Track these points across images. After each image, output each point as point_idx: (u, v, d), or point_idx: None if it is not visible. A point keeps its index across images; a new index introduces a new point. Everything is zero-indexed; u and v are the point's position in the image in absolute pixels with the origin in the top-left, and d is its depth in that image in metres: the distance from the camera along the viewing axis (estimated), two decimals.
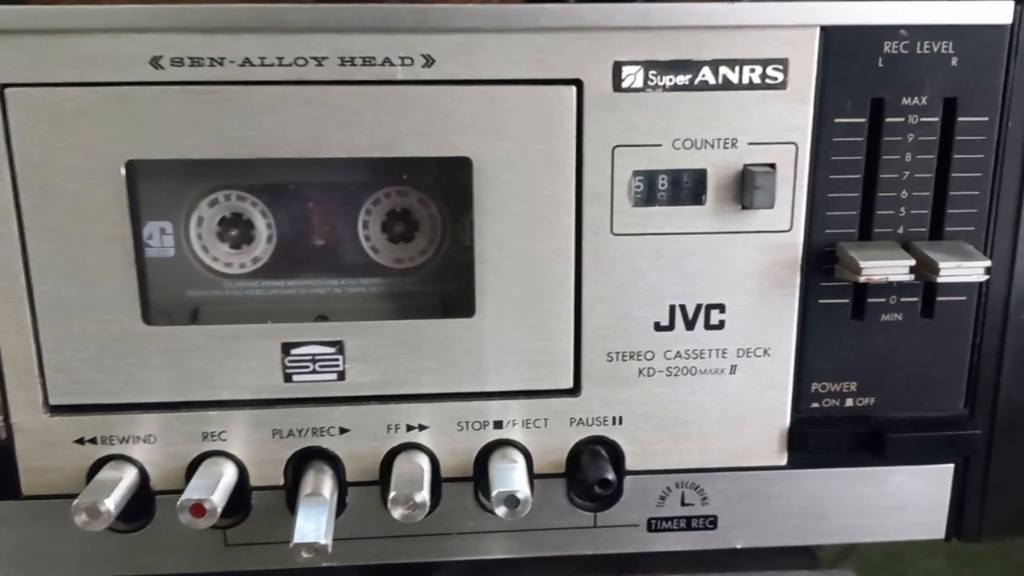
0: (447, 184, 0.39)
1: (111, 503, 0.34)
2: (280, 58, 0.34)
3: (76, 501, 0.34)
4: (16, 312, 0.35)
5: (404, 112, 0.35)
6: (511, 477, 0.36)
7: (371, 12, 0.33)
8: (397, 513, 0.35)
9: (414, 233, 0.39)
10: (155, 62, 0.33)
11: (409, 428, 0.38)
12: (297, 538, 0.35)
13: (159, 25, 0.33)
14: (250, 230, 0.39)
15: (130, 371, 0.36)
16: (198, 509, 0.35)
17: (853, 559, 0.59)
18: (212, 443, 0.37)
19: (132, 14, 0.33)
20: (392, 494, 0.35)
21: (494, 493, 0.35)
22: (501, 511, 0.35)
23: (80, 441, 0.37)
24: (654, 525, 0.40)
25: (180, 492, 0.37)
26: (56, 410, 0.37)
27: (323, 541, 0.35)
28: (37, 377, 0.36)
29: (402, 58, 0.34)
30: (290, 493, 0.38)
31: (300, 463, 0.38)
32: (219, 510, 0.35)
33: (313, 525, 0.35)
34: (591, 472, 0.37)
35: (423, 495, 0.35)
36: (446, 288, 0.40)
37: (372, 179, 0.39)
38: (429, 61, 0.34)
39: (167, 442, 0.37)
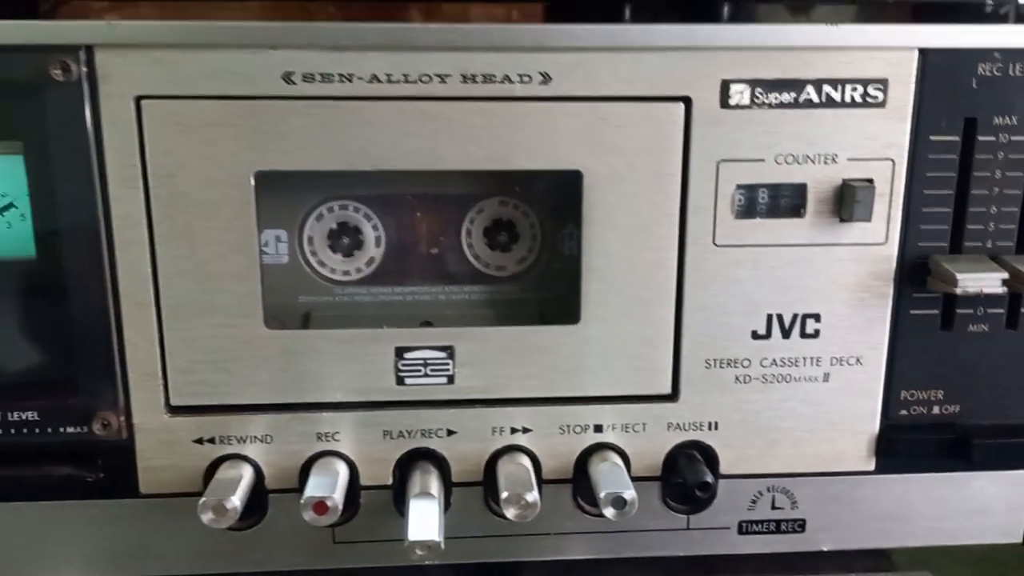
0: (548, 195, 0.40)
1: (237, 500, 0.36)
2: (405, 75, 0.35)
3: (203, 499, 0.36)
4: (143, 316, 0.37)
5: (519, 127, 0.36)
6: (618, 479, 0.37)
7: (494, 32, 0.35)
8: (511, 513, 0.36)
9: (514, 242, 0.41)
10: (287, 77, 0.35)
11: (513, 431, 0.39)
12: (412, 536, 0.36)
13: (293, 42, 0.34)
14: (359, 238, 0.40)
15: (250, 373, 0.38)
16: (321, 507, 0.36)
17: None
18: (325, 443, 0.39)
19: (268, 31, 0.34)
20: (504, 494, 0.36)
21: (602, 494, 0.37)
22: (609, 512, 0.37)
23: (199, 441, 0.38)
24: (744, 528, 0.42)
25: (293, 491, 0.39)
26: (176, 411, 0.38)
27: (436, 538, 0.36)
28: (160, 379, 0.37)
29: (521, 75, 0.35)
30: (397, 493, 0.39)
31: (407, 463, 0.39)
32: (340, 508, 0.36)
33: (426, 523, 0.37)
34: (690, 475, 0.39)
35: (534, 495, 0.36)
36: (544, 296, 0.41)
37: (475, 190, 0.40)
38: (546, 78, 0.35)
39: (282, 442, 0.38)
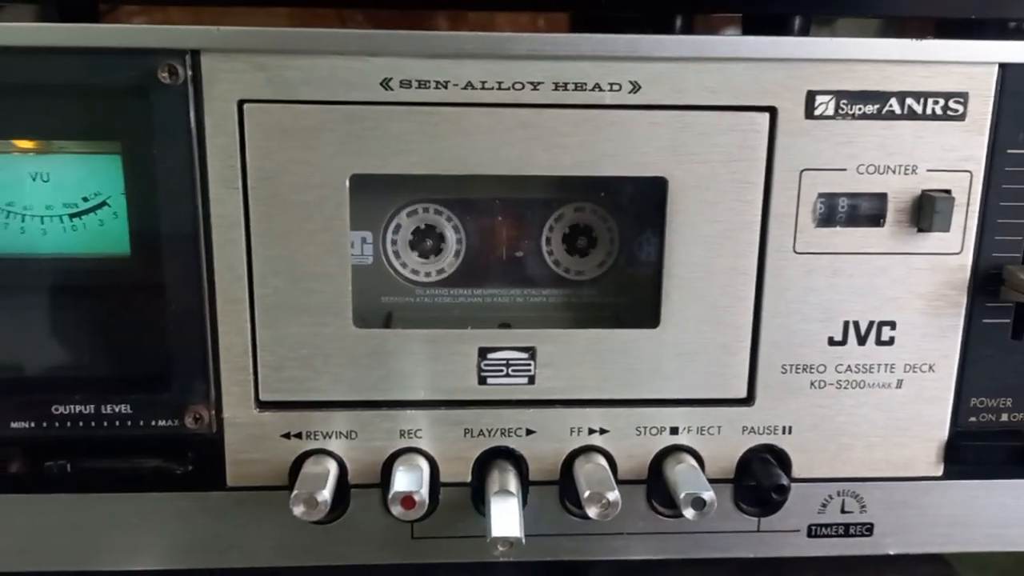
0: (627, 201, 0.41)
1: (327, 494, 0.37)
2: (499, 82, 0.36)
3: (294, 492, 0.36)
4: (237, 313, 0.38)
5: (607, 134, 0.37)
6: (697, 480, 0.38)
7: (586, 41, 0.36)
8: (593, 512, 0.37)
9: (593, 247, 0.42)
10: (385, 83, 0.36)
11: (590, 431, 0.40)
12: (494, 532, 0.37)
13: (393, 50, 0.35)
14: (441, 241, 0.41)
15: (337, 371, 0.39)
16: (408, 501, 0.37)
17: None
18: (407, 440, 0.40)
19: (369, 39, 0.35)
20: (586, 493, 0.37)
21: (682, 495, 0.37)
22: (689, 513, 0.37)
23: (286, 436, 0.39)
24: (814, 531, 0.42)
25: (374, 486, 0.40)
26: (265, 406, 0.39)
27: (518, 535, 0.37)
28: (250, 375, 0.38)
29: (611, 84, 0.36)
30: (475, 490, 0.40)
31: (485, 461, 0.40)
32: (427, 503, 0.37)
33: (507, 520, 0.37)
34: (765, 478, 0.39)
35: (615, 494, 0.37)
36: (620, 300, 0.42)
37: (556, 195, 0.41)
38: (636, 87, 0.36)
39: (366, 438, 0.39)
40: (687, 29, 0.46)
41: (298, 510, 0.36)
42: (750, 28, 0.46)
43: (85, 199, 0.39)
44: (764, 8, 0.43)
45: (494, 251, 0.42)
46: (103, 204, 0.39)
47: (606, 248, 0.42)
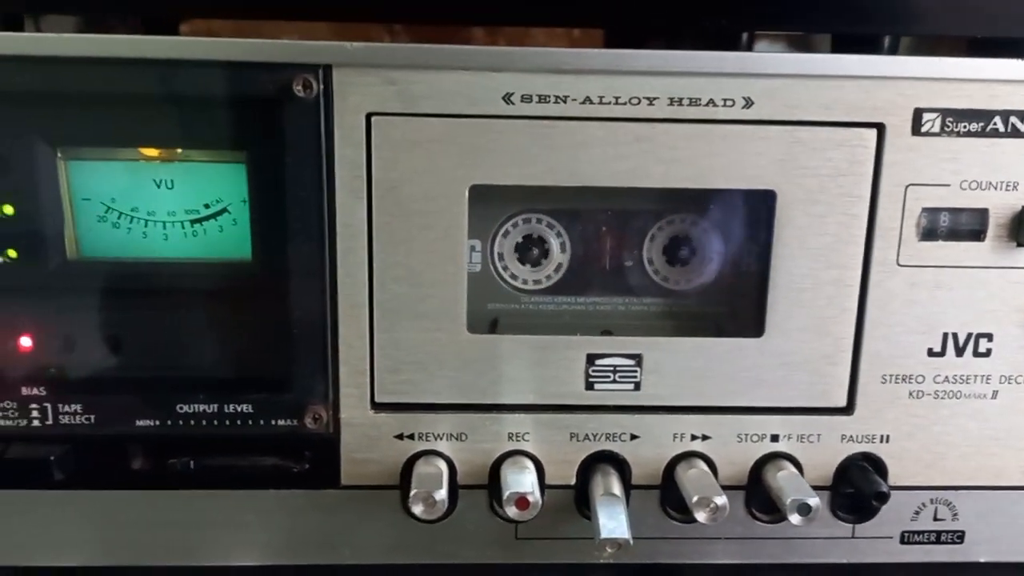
0: (729, 213, 0.42)
1: (444, 493, 0.38)
2: (616, 97, 0.37)
3: (413, 491, 0.38)
4: (357, 317, 0.39)
5: (720, 148, 0.38)
6: (801, 486, 0.39)
7: (702, 58, 0.37)
8: (702, 516, 0.38)
9: (693, 257, 0.43)
10: (507, 98, 0.37)
11: (693, 437, 0.41)
12: (603, 534, 0.38)
13: (515, 65, 0.37)
14: (546, 250, 0.43)
15: (450, 374, 0.40)
16: (523, 502, 0.38)
17: None
18: (515, 443, 0.41)
19: (493, 56, 0.37)
20: (695, 497, 0.38)
21: (788, 500, 0.38)
22: (795, 518, 0.38)
23: (399, 436, 0.40)
24: (907, 538, 0.43)
25: (480, 487, 0.41)
26: (380, 407, 0.40)
27: (627, 536, 0.38)
28: (367, 376, 0.40)
29: (725, 99, 0.37)
30: (579, 493, 0.41)
31: (589, 465, 0.41)
32: (540, 503, 0.38)
33: (615, 522, 0.38)
34: (866, 486, 0.40)
35: (723, 498, 0.38)
36: (720, 309, 0.43)
37: (658, 207, 0.42)
38: (748, 103, 0.38)
39: (476, 440, 0.41)
40: (751, 45, 0.48)
41: (417, 509, 0.38)
42: (840, 47, 0.47)
43: (207, 206, 0.41)
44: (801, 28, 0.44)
45: (597, 260, 0.43)
46: (223, 211, 0.41)
47: (707, 259, 0.43)
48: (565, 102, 0.37)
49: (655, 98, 0.37)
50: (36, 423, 0.39)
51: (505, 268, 0.43)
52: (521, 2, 0.40)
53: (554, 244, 0.43)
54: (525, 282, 0.43)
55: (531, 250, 0.42)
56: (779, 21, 0.43)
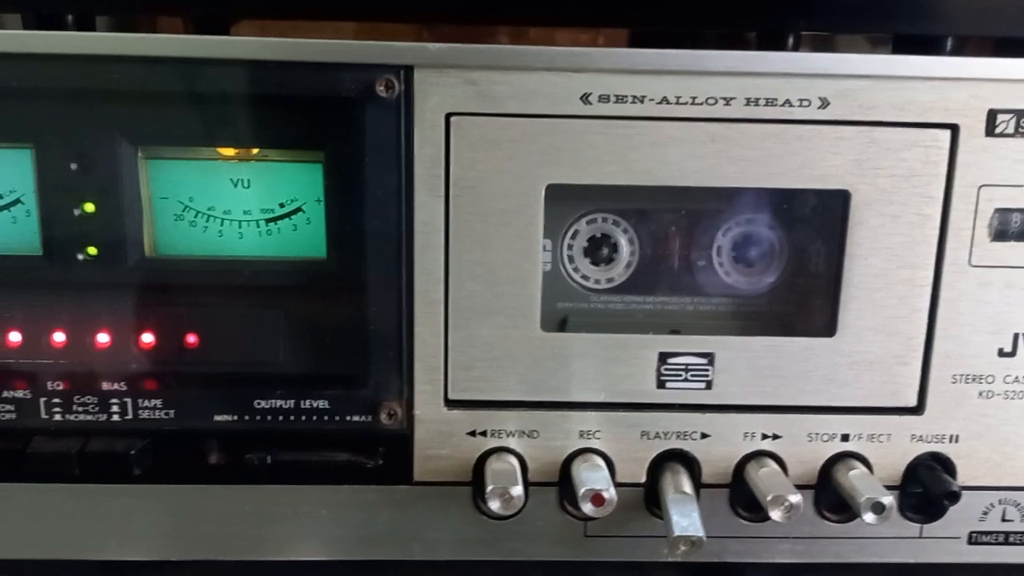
0: (799, 213, 0.42)
1: (520, 489, 0.38)
2: (693, 97, 0.38)
3: (489, 487, 0.38)
4: (433, 315, 0.40)
5: (794, 148, 0.38)
6: (873, 485, 0.39)
7: (779, 59, 0.37)
8: (777, 515, 0.38)
9: (762, 258, 0.43)
10: (585, 98, 0.37)
11: (764, 436, 0.41)
12: (677, 531, 0.38)
13: (593, 66, 0.37)
14: (615, 250, 0.43)
15: (523, 372, 0.40)
16: (598, 499, 0.38)
17: None
18: (586, 440, 0.41)
19: (572, 56, 0.37)
20: (769, 496, 0.38)
21: (862, 499, 0.38)
22: (869, 517, 0.38)
23: (472, 433, 0.41)
24: (974, 538, 0.43)
25: (550, 485, 0.41)
26: (454, 404, 0.41)
27: (701, 534, 0.38)
28: (441, 373, 0.40)
29: (801, 100, 0.38)
30: (648, 491, 0.42)
31: (659, 463, 0.42)
32: (616, 500, 0.38)
33: (688, 520, 0.39)
34: (936, 486, 0.40)
35: (798, 497, 0.38)
36: (788, 309, 0.43)
37: (728, 207, 0.43)
38: (824, 103, 0.38)
39: (548, 437, 0.41)
40: (796, 46, 0.48)
41: (494, 504, 0.38)
42: (900, 48, 0.47)
43: (281, 205, 0.41)
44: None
45: (665, 260, 0.43)
46: (298, 210, 0.41)
47: (775, 259, 0.43)
48: (642, 102, 0.38)
49: (732, 98, 0.38)
50: (116, 418, 0.40)
51: (575, 267, 0.43)
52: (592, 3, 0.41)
53: (623, 243, 0.43)
54: (594, 281, 0.43)
55: (600, 249, 0.43)
56: (831, 21, 0.44)
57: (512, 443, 0.41)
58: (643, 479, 0.41)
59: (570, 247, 0.43)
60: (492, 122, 0.38)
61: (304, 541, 0.42)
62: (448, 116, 0.38)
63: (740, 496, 0.42)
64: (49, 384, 0.39)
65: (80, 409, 0.39)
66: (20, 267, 0.40)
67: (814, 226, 0.42)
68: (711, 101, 0.38)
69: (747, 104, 0.38)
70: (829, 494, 0.42)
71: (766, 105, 0.38)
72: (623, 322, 0.43)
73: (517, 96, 0.37)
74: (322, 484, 0.41)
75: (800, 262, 0.43)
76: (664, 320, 0.43)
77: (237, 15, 0.48)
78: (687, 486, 0.41)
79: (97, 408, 0.39)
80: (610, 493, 0.38)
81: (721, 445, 0.41)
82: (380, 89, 0.37)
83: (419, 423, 0.41)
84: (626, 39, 0.50)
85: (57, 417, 0.39)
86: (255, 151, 0.40)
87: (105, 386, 0.39)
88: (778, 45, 0.43)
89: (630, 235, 0.43)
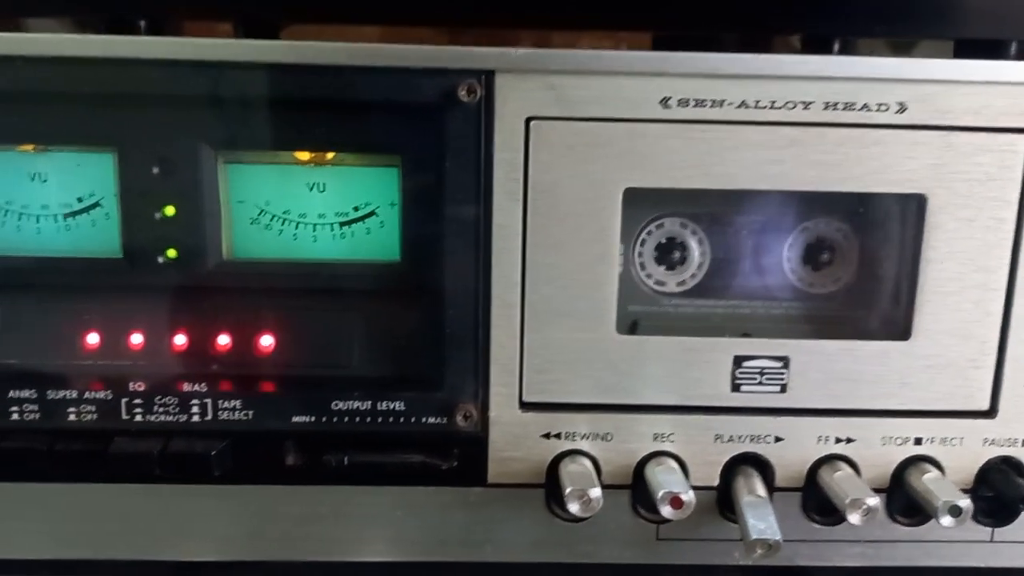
0: (870, 217, 0.43)
1: (599, 491, 0.38)
2: (772, 101, 0.38)
3: (568, 490, 0.38)
4: (509, 317, 0.40)
5: (872, 152, 0.38)
6: (950, 489, 0.39)
7: (858, 63, 0.38)
8: (855, 518, 0.38)
9: (833, 262, 0.43)
10: (664, 102, 0.38)
11: (837, 440, 0.41)
12: (753, 535, 0.38)
13: (672, 70, 0.37)
14: (685, 253, 0.43)
15: (597, 374, 0.41)
16: (677, 501, 0.38)
17: None
18: (660, 443, 0.41)
19: (652, 60, 0.37)
20: (848, 499, 0.38)
21: (939, 503, 0.38)
22: (946, 520, 0.38)
23: (546, 436, 0.41)
24: None
25: (623, 487, 0.41)
26: (528, 406, 0.41)
27: (778, 537, 0.38)
28: (516, 376, 0.40)
29: (879, 104, 0.38)
30: (721, 494, 0.42)
31: (731, 467, 0.42)
32: (694, 503, 0.38)
33: (764, 523, 0.39)
34: (1011, 489, 0.40)
35: (876, 500, 0.38)
36: (858, 313, 0.43)
37: (799, 210, 0.43)
38: (902, 107, 0.38)
39: (621, 440, 0.41)
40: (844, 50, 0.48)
41: (574, 507, 0.38)
42: (962, 52, 0.47)
43: (356, 208, 0.42)
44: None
45: (736, 264, 0.43)
46: (372, 214, 0.42)
47: (846, 263, 0.43)
48: (721, 106, 0.38)
49: (810, 102, 0.38)
50: (196, 419, 0.40)
51: (645, 271, 0.43)
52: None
53: (694, 247, 0.43)
54: (665, 284, 0.43)
55: (671, 253, 0.43)
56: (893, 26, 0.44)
57: (585, 445, 0.41)
58: (716, 482, 0.42)
59: (641, 251, 0.43)
60: (571, 126, 0.38)
61: (378, 542, 0.42)
62: (528, 120, 0.38)
63: (813, 500, 0.42)
64: (130, 385, 0.40)
65: (161, 410, 0.40)
66: (101, 270, 0.40)
67: (887, 230, 0.42)
68: (790, 105, 0.38)
69: (825, 108, 0.38)
70: (901, 498, 0.42)
71: (844, 109, 0.38)
72: (693, 326, 0.43)
73: (596, 100, 0.38)
74: (397, 486, 0.42)
75: (873, 266, 0.43)
76: (735, 324, 0.43)
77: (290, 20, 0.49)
78: (761, 489, 0.41)
79: (178, 409, 0.40)
80: (688, 496, 0.38)
81: (794, 448, 0.41)
82: (462, 94, 0.37)
83: (494, 425, 0.41)
84: (649, 44, 0.51)
85: (138, 418, 0.40)
86: (331, 155, 0.41)
87: (185, 387, 0.40)
88: (823, 50, 0.44)
89: (700, 238, 0.43)
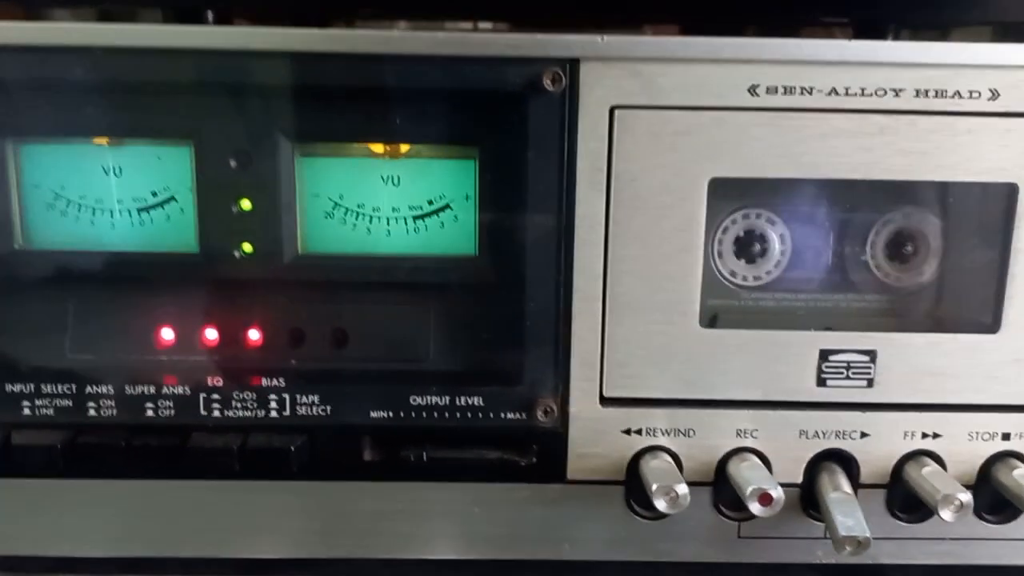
0: (954, 208, 0.42)
1: (685, 488, 0.38)
2: (862, 88, 0.37)
3: (655, 486, 0.38)
4: (591, 311, 0.39)
5: (962, 140, 0.38)
6: None
7: (951, 50, 0.37)
8: (947, 514, 0.37)
9: (917, 254, 0.42)
10: (752, 90, 0.37)
11: (924, 435, 0.40)
12: (842, 532, 0.37)
13: (761, 57, 0.37)
14: (765, 246, 0.42)
15: (679, 369, 0.40)
16: (766, 498, 0.37)
17: None
18: (743, 440, 0.40)
19: (740, 47, 0.37)
20: (940, 496, 0.38)
21: None
22: None
23: (626, 431, 0.40)
24: None
25: (704, 484, 0.41)
26: (608, 402, 0.40)
27: (867, 534, 0.37)
28: (597, 370, 0.40)
29: (971, 91, 0.37)
30: (804, 491, 0.41)
31: (815, 463, 0.41)
32: (783, 500, 0.38)
33: (853, 520, 0.38)
34: None
35: (968, 496, 0.38)
36: (943, 306, 0.42)
37: (883, 201, 0.42)
38: (994, 95, 0.37)
39: (704, 436, 0.40)
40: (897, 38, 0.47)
41: (661, 504, 0.37)
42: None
43: (430, 202, 0.41)
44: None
45: (817, 256, 0.43)
46: (446, 207, 0.41)
47: (931, 255, 0.42)
48: (811, 93, 0.37)
49: (901, 90, 0.37)
50: (274, 414, 0.40)
51: (724, 264, 0.43)
52: None
53: (773, 240, 0.42)
54: (744, 278, 0.43)
55: (752, 246, 0.42)
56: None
57: (665, 441, 0.40)
58: (799, 479, 0.41)
59: (720, 243, 0.42)
60: (656, 115, 0.37)
61: (453, 539, 0.42)
62: (612, 109, 0.37)
63: (898, 496, 0.41)
64: (208, 380, 0.39)
65: (239, 405, 0.39)
66: (177, 264, 0.40)
67: (974, 221, 0.41)
68: (880, 92, 0.37)
69: (916, 96, 0.37)
70: (987, 494, 0.41)
71: (936, 97, 0.37)
72: (774, 319, 0.42)
73: (683, 88, 0.37)
74: (474, 482, 0.41)
75: (959, 257, 0.42)
76: (816, 317, 0.42)
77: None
78: (847, 486, 0.40)
79: (256, 404, 0.39)
80: (777, 492, 0.37)
81: (880, 444, 0.40)
82: (547, 82, 0.37)
83: (574, 420, 0.40)
84: (675, 34, 0.50)
85: (216, 413, 0.39)
86: (407, 148, 0.40)
87: (264, 382, 0.39)
88: (876, 38, 0.43)
89: (781, 231, 0.42)
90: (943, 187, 0.40)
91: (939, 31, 0.49)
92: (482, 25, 0.53)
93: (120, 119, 0.39)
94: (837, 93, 0.37)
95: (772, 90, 0.37)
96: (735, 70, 0.37)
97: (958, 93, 0.37)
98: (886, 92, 0.37)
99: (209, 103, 0.39)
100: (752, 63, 0.37)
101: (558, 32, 0.37)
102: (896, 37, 0.44)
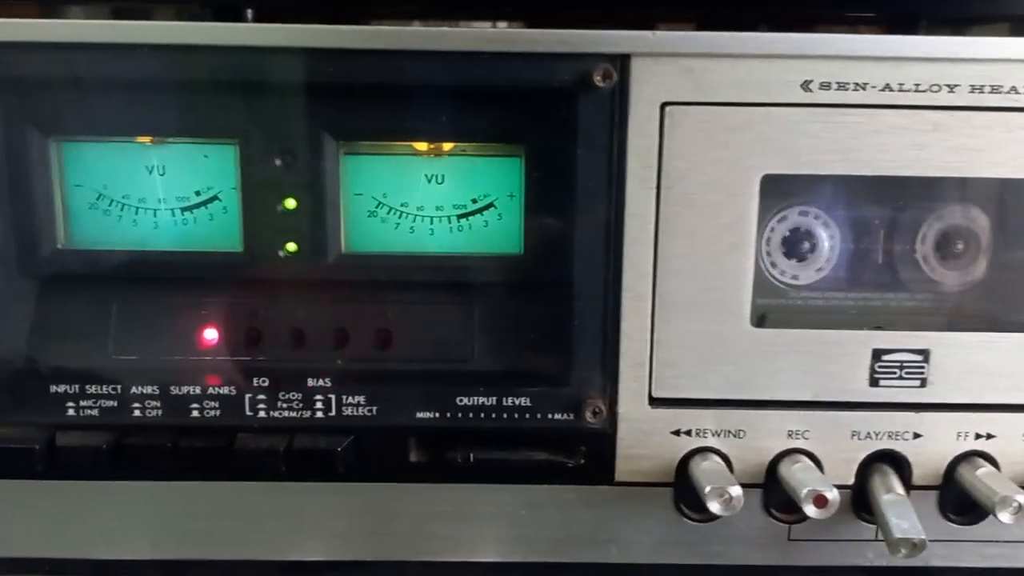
0: (1007, 205, 0.41)
1: (739, 490, 0.37)
2: (917, 84, 0.37)
3: (708, 488, 0.37)
4: (640, 309, 0.39)
5: (1018, 136, 0.37)
6: None
7: (1005, 45, 0.36)
8: (1006, 516, 0.37)
9: (967, 251, 0.42)
10: (805, 85, 0.37)
11: (977, 436, 0.40)
12: (897, 533, 0.37)
13: (813, 52, 0.36)
14: (814, 244, 0.42)
15: (729, 369, 0.39)
16: (821, 500, 0.37)
17: None
18: (794, 441, 0.40)
19: (793, 42, 0.36)
20: (997, 497, 0.37)
21: None
22: None
23: (676, 432, 0.40)
24: None
25: (755, 486, 0.40)
26: (657, 402, 0.40)
27: (922, 536, 0.37)
28: (646, 370, 0.39)
29: None
30: (856, 493, 0.40)
31: (867, 464, 0.40)
32: (839, 502, 0.37)
33: (907, 522, 0.37)
34: None
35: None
36: (994, 304, 0.42)
37: (933, 199, 0.41)
38: None
39: (754, 437, 0.40)
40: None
41: (714, 506, 0.37)
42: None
43: (474, 200, 0.41)
44: None
45: (867, 255, 0.42)
46: (490, 205, 0.41)
47: (982, 252, 0.42)
48: (864, 89, 0.37)
49: (956, 85, 0.37)
50: (320, 415, 0.39)
51: (772, 263, 0.42)
52: None
53: (823, 238, 0.42)
54: (793, 277, 0.42)
55: (800, 244, 0.42)
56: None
57: (715, 443, 0.40)
58: (851, 480, 0.40)
59: (768, 241, 0.42)
60: (707, 111, 0.37)
61: (499, 542, 0.41)
62: (663, 105, 0.37)
63: (950, 498, 0.40)
64: (254, 381, 0.39)
65: (284, 406, 0.39)
66: (221, 264, 0.40)
67: (1019, 218, 0.40)
68: (935, 88, 0.37)
69: (971, 91, 0.37)
70: None
71: (991, 92, 0.37)
72: (824, 319, 0.42)
73: (734, 84, 0.37)
74: (521, 483, 0.40)
75: (1011, 255, 0.41)
76: (867, 316, 0.42)
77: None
78: (899, 487, 0.39)
79: (302, 405, 0.39)
80: (833, 494, 0.37)
81: (933, 445, 0.40)
82: (597, 79, 0.36)
83: (623, 421, 0.40)
84: (692, 28, 0.50)
85: (261, 414, 0.39)
86: (450, 146, 0.40)
87: (310, 383, 0.39)
88: (908, 31, 0.43)
89: (831, 229, 0.42)
90: (996, 184, 0.40)
91: (955, 27, 0.48)
92: (499, 24, 0.53)
93: (165, 118, 0.39)
94: (891, 89, 0.37)
95: (825, 86, 0.37)
96: (787, 65, 0.36)
97: (1014, 88, 0.37)
98: (940, 88, 0.37)
99: (254, 102, 0.38)
100: (805, 58, 0.36)
101: (598, 28, 0.37)
102: (927, 32, 0.44)
